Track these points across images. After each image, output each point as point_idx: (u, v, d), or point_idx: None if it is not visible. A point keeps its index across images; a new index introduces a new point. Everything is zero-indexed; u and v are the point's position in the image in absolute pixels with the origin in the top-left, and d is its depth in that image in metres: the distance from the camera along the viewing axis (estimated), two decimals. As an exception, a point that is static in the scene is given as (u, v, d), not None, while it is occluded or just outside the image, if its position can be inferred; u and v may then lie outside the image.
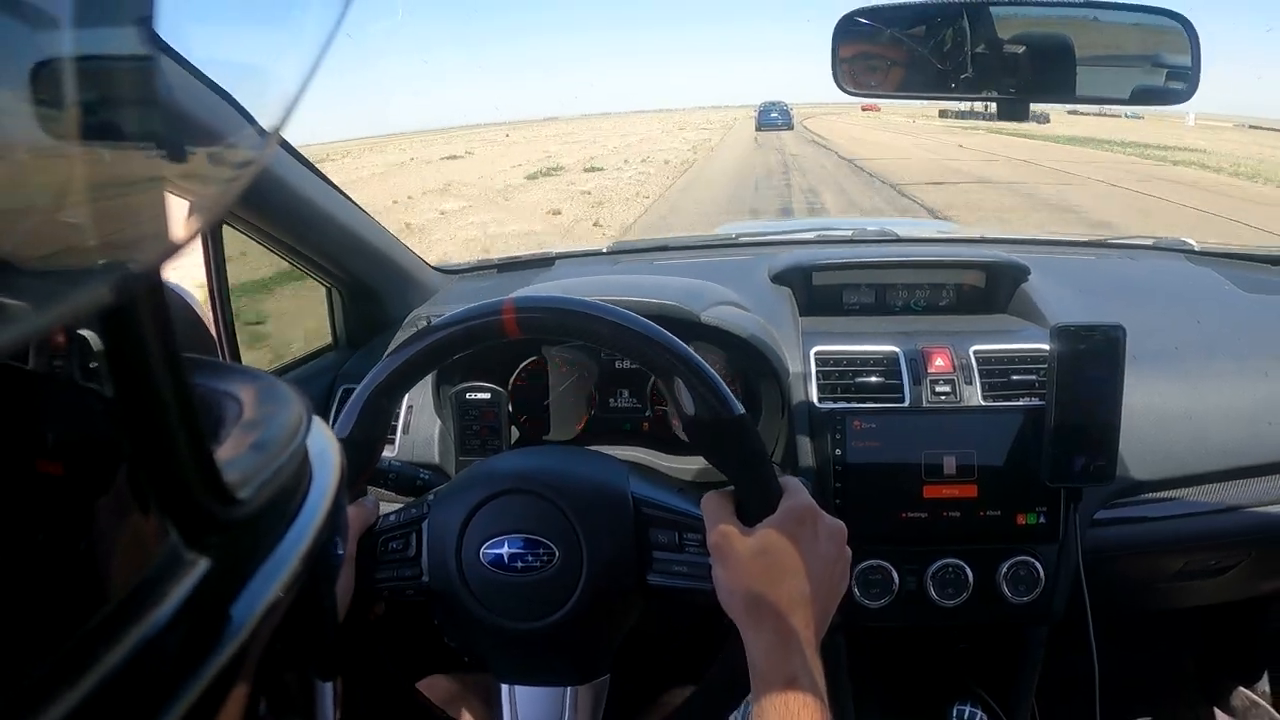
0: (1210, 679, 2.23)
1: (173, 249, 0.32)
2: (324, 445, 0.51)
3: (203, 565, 0.37)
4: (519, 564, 0.99)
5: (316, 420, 0.50)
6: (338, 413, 1.04)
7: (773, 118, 46.38)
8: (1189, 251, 2.18)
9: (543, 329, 1.03)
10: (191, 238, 0.33)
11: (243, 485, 0.40)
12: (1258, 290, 1.88)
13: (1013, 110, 1.21)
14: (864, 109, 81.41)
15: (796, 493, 0.96)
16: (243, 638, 0.37)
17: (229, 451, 0.41)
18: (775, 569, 0.90)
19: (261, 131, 0.36)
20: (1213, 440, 1.56)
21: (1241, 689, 2.16)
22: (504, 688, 1.05)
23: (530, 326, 1.00)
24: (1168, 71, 1.27)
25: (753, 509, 0.95)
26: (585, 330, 1.00)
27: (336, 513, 0.48)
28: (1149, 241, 2.32)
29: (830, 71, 1.26)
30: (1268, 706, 2.11)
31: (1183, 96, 1.25)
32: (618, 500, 1.02)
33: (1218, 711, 2.19)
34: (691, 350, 0.97)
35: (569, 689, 1.04)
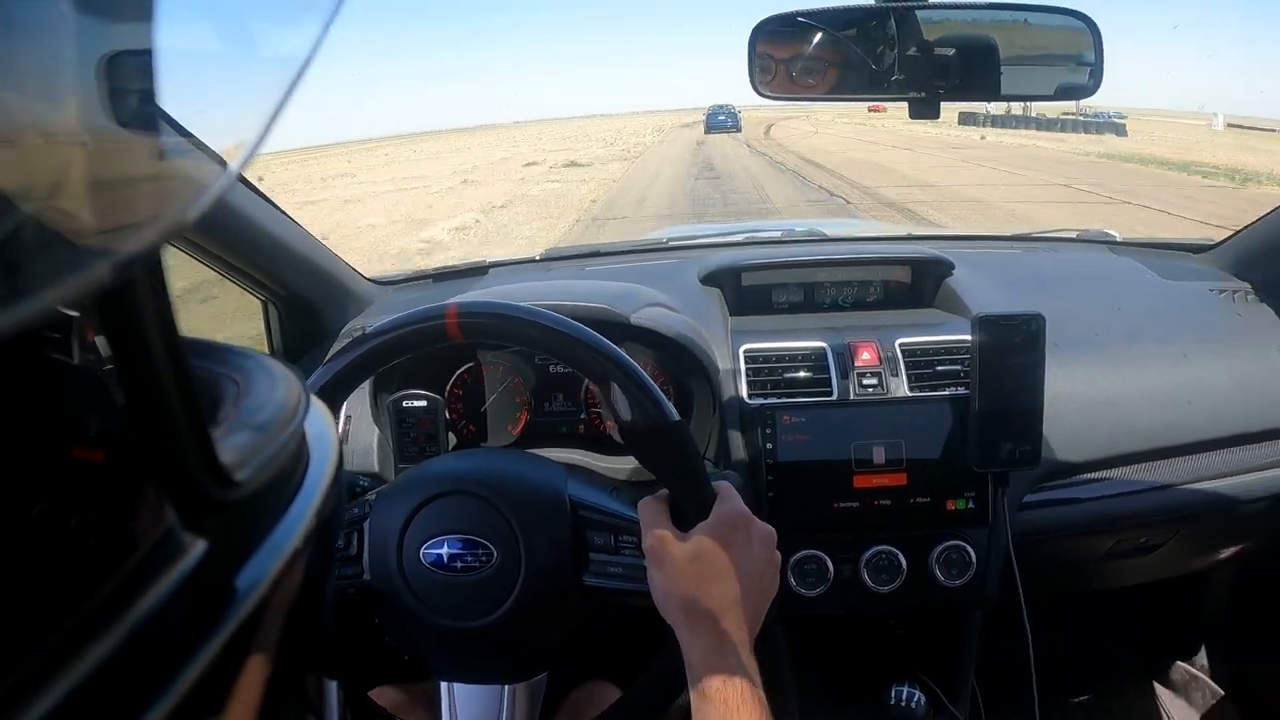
0: (1151, 656, 2.29)
1: (171, 232, 0.32)
2: (322, 427, 0.51)
3: (200, 547, 0.37)
4: (458, 564, 1.01)
5: (315, 402, 0.51)
6: None
7: (720, 120, 46.46)
8: (1111, 243, 2.24)
9: (484, 333, 1.05)
10: (190, 221, 0.33)
11: (240, 466, 0.40)
12: (1178, 278, 1.94)
13: (925, 109, 1.25)
14: (871, 109, 78.02)
15: (729, 498, 0.99)
16: (241, 619, 0.37)
17: (227, 433, 0.41)
18: (709, 573, 0.92)
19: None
20: (1135, 422, 1.61)
21: (1181, 664, 2.22)
22: (443, 686, 1.07)
23: (472, 331, 1.02)
24: (1078, 68, 1.32)
25: (687, 513, 0.97)
26: (525, 335, 1.02)
27: (335, 494, 0.48)
28: (1072, 234, 2.38)
29: (747, 76, 1.28)
30: (1207, 680, 2.18)
31: (1091, 91, 1.31)
32: (555, 502, 1.05)
33: (1158, 687, 2.26)
34: (627, 356, 1.00)
35: (507, 687, 1.06)
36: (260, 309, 1.83)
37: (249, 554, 0.39)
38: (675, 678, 0.99)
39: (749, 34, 1.28)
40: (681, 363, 1.56)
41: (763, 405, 1.51)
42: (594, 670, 1.40)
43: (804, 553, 1.48)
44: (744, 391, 1.52)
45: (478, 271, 1.99)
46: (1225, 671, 2.16)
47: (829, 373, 1.53)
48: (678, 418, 1.00)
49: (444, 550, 1.01)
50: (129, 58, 0.32)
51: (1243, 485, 1.67)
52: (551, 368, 1.67)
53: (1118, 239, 2.26)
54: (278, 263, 1.69)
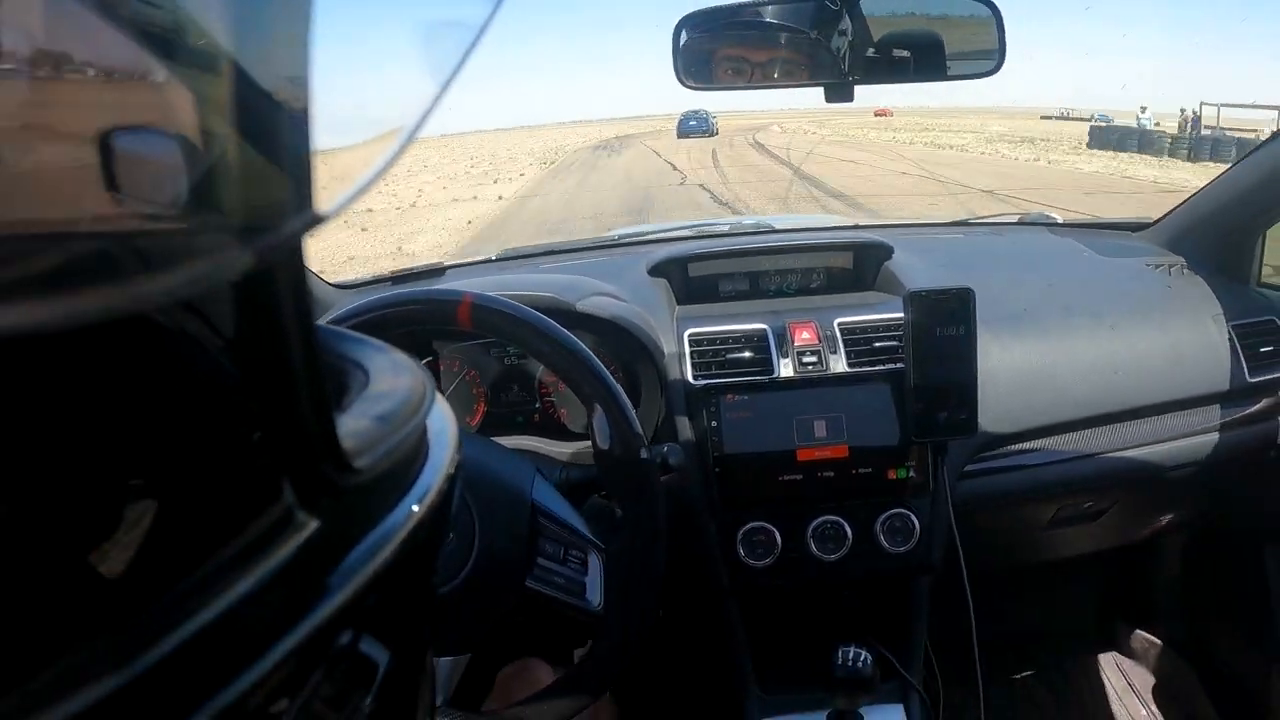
0: (1108, 624, 2.34)
1: (315, 220, 0.32)
2: (443, 425, 0.52)
3: (313, 526, 0.37)
4: None
5: (439, 399, 0.51)
6: None
7: (691, 125, 45.88)
8: (1051, 224, 2.31)
9: (492, 329, 1.10)
10: (336, 212, 0.33)
11: (361, 454, 0.40)
12: (1115, 254, 2.00)
13: (840, 92, 1.31)
14: (877, 114, 70.84)
15: None
16: (343, 600, 0.37)
17: (351, 420, 0.42)
18: None
19: None
20: (1071, 392, 1.67)
21: (1140, 631, 2.28)
22: None
23: (481, 323, 1.07)
24: (981, 51, 1.39)
25: (631, 534, 1.07)
26: (530, 343, 1.08)
27: (449, 491, 0.48)
28: (1014, 219, 2.45)
29: (672, 68, 1.34)
30: (1164, 646, 2.23)
31: (995, 70, 1.38)
32: (518, 503, 1.09)
33: (1117, 655, 2.31)
34: (619, 387, 1.06)
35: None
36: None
37: (358, 539, 0.40)
38: (613, 659, 1.06)
39: (673, 28, 1.34)
40: (627, 347, 1.61)
41: (707, 386, 1.56)
42: (525, 647, 1.45)
43: (752, 524, 1.54)
44: (688, 374, 1.58)
45: (435, 272, 2.03)
46: (1181, 637, 2.22)
47: (769, 353, 1.59)
48: (649, 453, 1.06)
49: None
50: (281, 34, 0.32)
51: (1176, 450, 1.74)
52: (507, 360, 1.72)
53: (1058, 221, 2.32)
54: None
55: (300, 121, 0.31)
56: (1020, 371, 1.66)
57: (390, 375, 0.47)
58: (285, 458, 0.37)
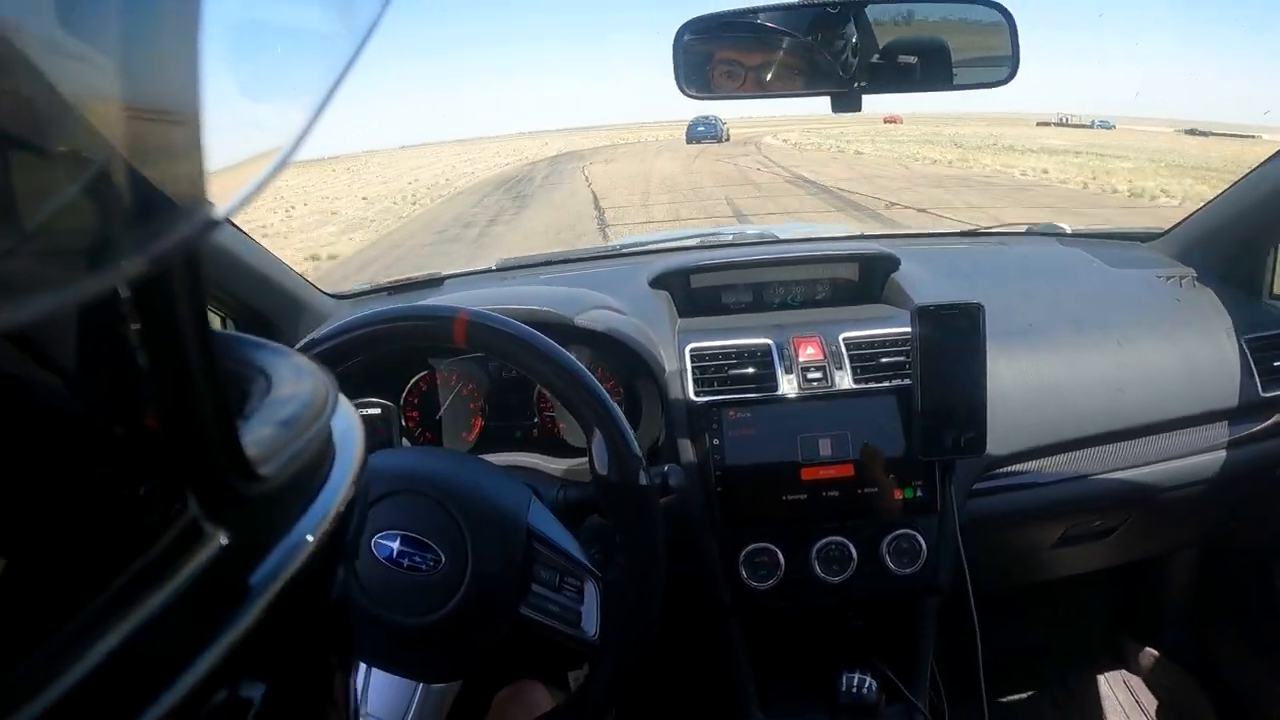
0: (1117, 642, 2.31)
1: (209, 226, 0.31)
2: (348, 425, 0.51)
3: (221, 538, 0.37)
4: (405, 562, 1.02)
5: (341, 400, 0.50)
6: None
7: (700, 131, 46.23)
8: (1061, 235, 2.27)
9: (488, 348, 1.08)
10: (230, 214, 0.32)
11: (265, 461, 0.39)
12: (1125, 265, 1.97)
13: (848, 103, 1.28)
14: (886, 120, 68.43)
15: None
16: (257, 613, 0.37)
17: (254, 427, 0.41)
18: None
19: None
20: (1081, 408, 1.64)
21: (1147, 648, 2.24)
22: (361, 665, 1.08)
23: (477, 341, 1.05)
24: (994, 60, 1.36)
25: (627, 561, 1.06)
26: (527, 363, 1.05)
27: (359, 492, 0.48)
28: (1022, 229, 2.41)
29: (673, 76, 1.31)
30: (1173, 664, 2.20)
31: (1005, 80, 1.34)
32: (513, 527, 1.06)
33: (1125, 673, 2.28)
34: (620, 412, 1.03)
35: (420, 685, 1.08)
36: (218, 324, 1.84)
37: (269, 548, 0.40)
38: (610, 689, 1.05)
39: (674, 35, 1.31)
40: (627, 363, 1.58)
41: (709, 403, 1.53)
42: (520, 669, 1.42)
43: (754, 545, 1.50)
44: (690, 390, 1.54)
45: (434, 283, 2.00)
46: (1189, 654, 2.19)
47: (774, 368, 1.55)
48: (648, 479, 1.04)
49: (395, 545, 1.03)
50: (171, 27, 0.31)
51: (1186, 467, 1.70)
52: (504, 374, 1.69)
53: (1068, 231, 2.29)
54: (230, 277, 1.71)
55: (190, 130, 0.31)
56: (1029, 388, 1.63)
57: (292, 379, 0.47)
58: (189, 467, 0.37)
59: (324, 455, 0.47)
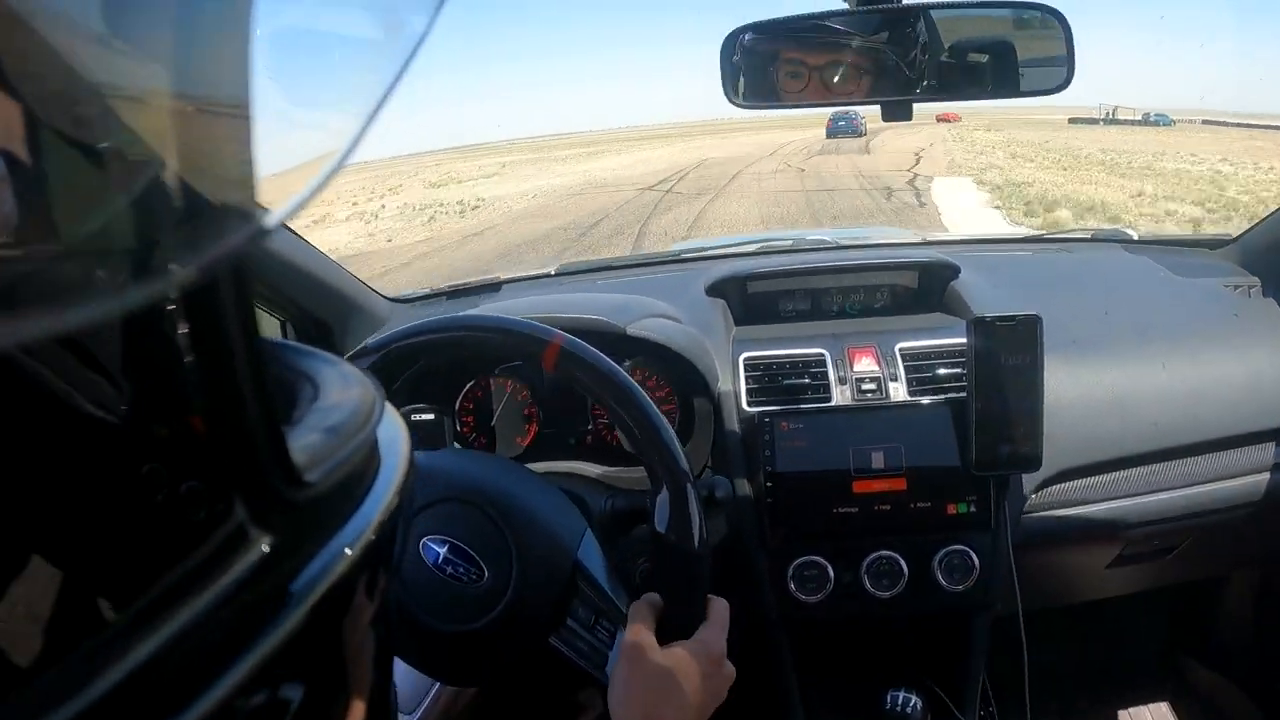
0: (1175, 663, 2.25)
1: (260, 232, 0.32)
2: (394, 434, 0.52)
3: (266, 543, 0.37)
4: (449, 569, 1.03)
5: (388, 408, 0.51)
6: None
7: (840, 125, 45.78)
8: (1126, 241, 2.22)
9: (574, 380, 1.05)
10: (279, 224, 0.32)
11: (311, 467, 0.40)
12: (1192, 274, 1.92)
13: (898, 111, 1.26)
14: (940, 118, 61.58)
15: (715, 626, 1.02)
16: (300, 617, 0.37)
17: (300, 433, 0.42)
18: (671, 695, 0.94)
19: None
20: (1143, 422, 1.60)
21: (1206, 671, 2.18)
22: None
23: (565, 371, 1.04)
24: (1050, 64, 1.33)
25: (672, 630, 1.00)
26: (608, 404, 1.04)
27: (403, 501, 0.48)
28: (1087, 235, 2.36)
29: (721, 85, 1.30)
30: (1233, 687, 2.13)
31: (1065, 84, 1.31)
32: (561, 559, 1.06)
33: (1183, 695, 2.22)
34: (693, 480, 1.01)
35: (439, 684, 1.08)
36: (278, 329, 1.87)
37: (313, 554, 0.40)
38: None
39: (721, 45, 1.30)
40: (680, 372, 1.58)
41: (761, 413, 1.52)
42: (529, 691, 1.43)
43: (804, 559, 1.49)
44: (743, 400, 1.54)
45: (492, 287, 2.02)
46: (1249, 677, 2.12)
47: (828, 379, 1.54)
48: (705, 549, 1.02)
49: (442, 551, 1.03)
50: (221, 31, 0.32)
51: (1252, 485, 1.65)
52: (559, 381, 1.69)
53: (1134, 237, 2.24)
54: (290, 283, 1.74)
55: (241, 136, 0.31)
56: (1089, 400, 1.59)
57: (339, 387, 0.47)
58: (236, 472, 0.37)
59: (369, 463, 0.47)
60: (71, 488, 0.34)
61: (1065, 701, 2.16)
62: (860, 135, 44.33)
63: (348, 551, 0.41)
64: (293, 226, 1.74)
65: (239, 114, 0.31)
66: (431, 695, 1.09)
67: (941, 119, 62.03)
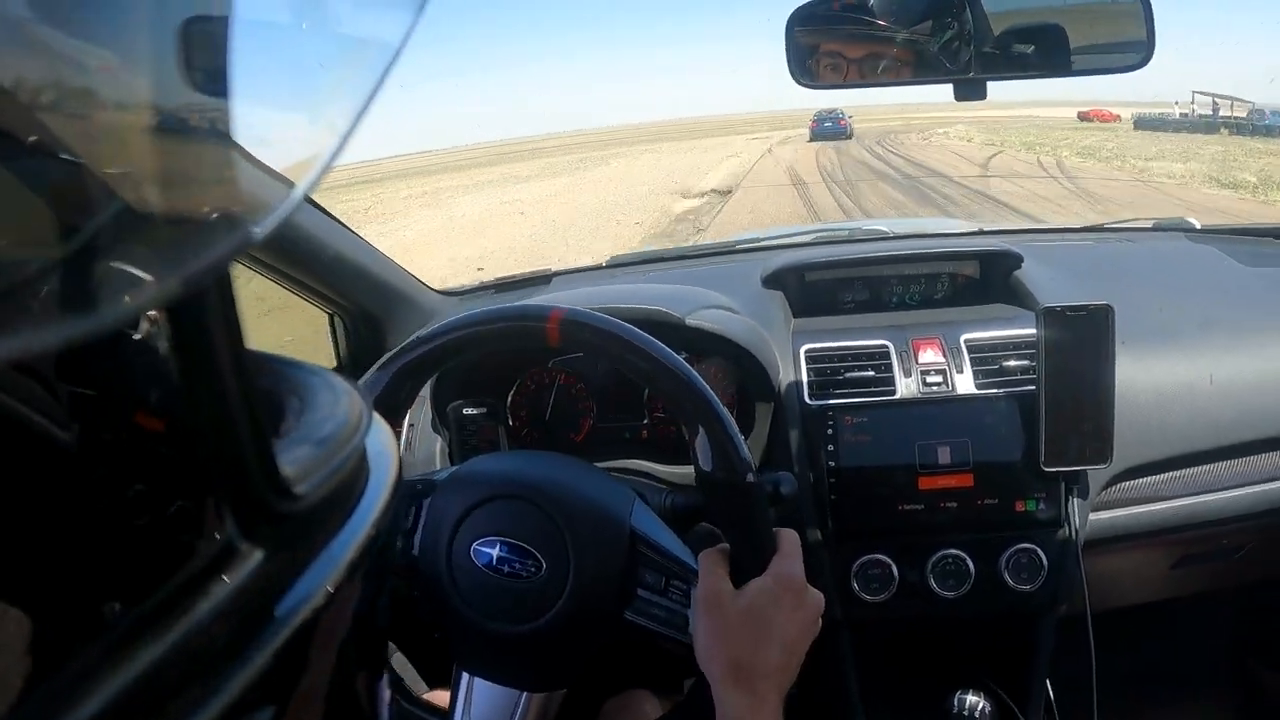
0: (1244, 666, 2.19)
1: (241, 247, 0.32)
2: (383, 444, 0.51)
3: (256, 556, 0.37)
4: (505, 568, 1.00)
5: (377, 419, 0.51)
6: None
7: (826, 126, 44.71)
8: (1190, 230, 2.17)
9: (585, 346, 1.03)
10: (260, 238, 0.33)
11: (300, 480, 0.40)
12: (1259, 264, 1.87)
13: (971, 90, 1.22)
14: (1083, 115, 53.96)
15: (788, 556, 0.97)
16: (292, 629, 0.37)
17: (288, 446, 0.42)
18: (759, 636, 0.92)
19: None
20: (1214, 416, 1.55)
21: (1275, 674, 2.12)
22: (463, 674, 1.06)
23: (571, 340, 1.01)
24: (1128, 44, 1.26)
25: (745, 570, 0.96)
26: (626, 359, 1.00)
27: (392, 511, 0.48)
28: (1149, 224, 2.30)
29: (786, 67, 1.27)
30: None
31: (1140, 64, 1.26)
32: (616, 530, 1.02)
33: (1253, 700, 2.15)
34: (721, 405, 0.98)
35: (525, 694, 1.05)
36: (327, 322, 1.87)
37: (305, 566, 0.40)
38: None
39: (785, 24, 1.27)
40: (740, 364, 1.54)
41: (824, 406, 1.49)
42: (629, 677, 1.38)
43: (868, 557, 1.46)
44: (805, 393, 1.50)
45: (542, 280, 2.00)
46: None
47: (891, 371, 1.50)
48: (756, 479, 0.98)
49: (495, 551, 1.00)
50: (201, 39, 0.32)
51: None
52: (615, 372, 1.66)
53: (1197, 227, 2.18)
54: (340, 276, 1.73)
55: (224, 145, 0.32)
56: (1158, 394, 1.54)
57: (327, 399, 0.48)
58: (225, 486, 0.37)
59: (359, 474, 0.47)
60: (61, 506, 0.36)
61: (1129, 706, 2.10)
62: (847, 137, 42.24)
63: (341, 559, 0.42)
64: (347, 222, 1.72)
65: (221, 123, 0.32)
66: (519, 710, 1.06)
67: (1085, 116, 53.78)
